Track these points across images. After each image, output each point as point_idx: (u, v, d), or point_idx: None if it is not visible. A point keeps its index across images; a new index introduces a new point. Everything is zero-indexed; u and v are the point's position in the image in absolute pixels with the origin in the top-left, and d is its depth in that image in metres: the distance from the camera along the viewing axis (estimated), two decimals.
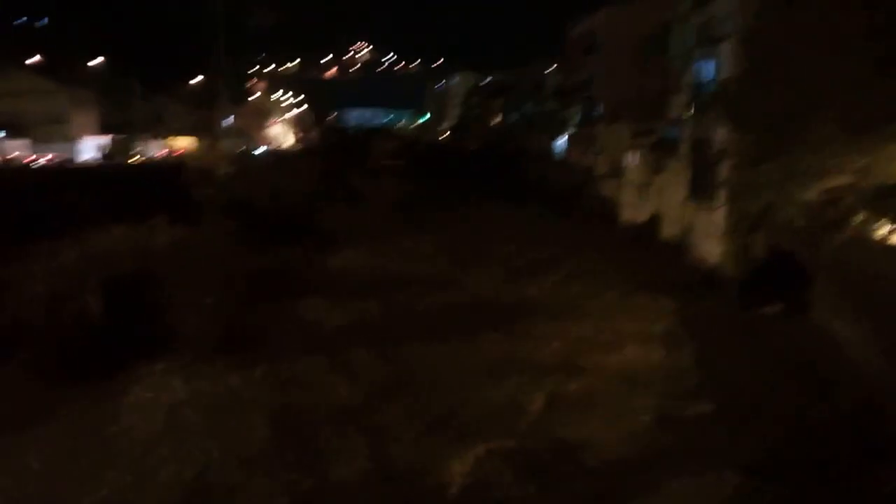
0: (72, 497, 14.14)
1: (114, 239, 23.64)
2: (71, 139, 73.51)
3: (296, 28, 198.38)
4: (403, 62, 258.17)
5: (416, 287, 29.31)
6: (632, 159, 40.67)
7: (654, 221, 37.62)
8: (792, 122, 19.79)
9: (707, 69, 31.16)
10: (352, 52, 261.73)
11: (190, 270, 23.72)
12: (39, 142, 71.74)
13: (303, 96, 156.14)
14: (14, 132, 71.13)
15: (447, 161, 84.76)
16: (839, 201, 19.44)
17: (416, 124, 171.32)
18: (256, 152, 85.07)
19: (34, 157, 63.15)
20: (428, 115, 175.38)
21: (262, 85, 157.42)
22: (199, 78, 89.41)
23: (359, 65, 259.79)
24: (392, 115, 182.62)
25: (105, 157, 65.49)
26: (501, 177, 68.17)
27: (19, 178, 49.55)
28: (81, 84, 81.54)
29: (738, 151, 24.02)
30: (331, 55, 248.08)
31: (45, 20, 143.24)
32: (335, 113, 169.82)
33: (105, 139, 69.88)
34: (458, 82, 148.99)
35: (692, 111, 32.49)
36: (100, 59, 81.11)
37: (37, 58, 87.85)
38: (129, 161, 66.11)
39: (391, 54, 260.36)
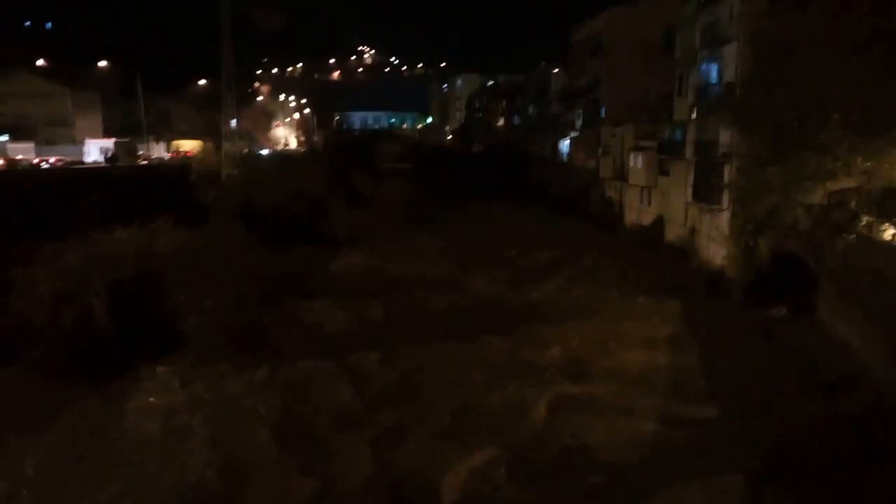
0: (71, 500, 14.19)
1: (118, 241, 23.66)
2: (75, 142, 73.76)
3: (301, 31, 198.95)
4: (407, 65, 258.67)
5: (420, 289, 29.30)
6: (636, 162, 40.59)
7: (658, 224, 37.55)
8: (797, 125, 19.74)
9: (712, 71, 31.10)
10: (356, 55, 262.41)
11: (194, 273, 23.72)
12: (44, 144, 72.03)
13: (307, 99, 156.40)
14: (19, 135, 71.36)
15: (451, 163, 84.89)
16: (845, 204, 19.36)
17: (420, 126, 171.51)
18: (261, 154, 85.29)
19: (37, 160, 63.21)
20: (432, 118, 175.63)
21: (267, 87, 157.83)
22: (204, 81, 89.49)
23: (363, 67, 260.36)
24: (396, 118, 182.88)
25: (108, 159, 65.50)
26: (505, 179, 68.18)
27: (25, 181, 49.67)
28: (86, 87, 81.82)
29: (743, 154, 23.96)
30: (335, 58, 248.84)
31: (51, 23, 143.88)
32: (339, 115, 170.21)
33: (109, 142, 69.96)
34: (462, 85, 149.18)
35: (697, 113, 32.42)
36: (104, 62, 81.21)
37: (41, 61, 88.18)
38: (134, 163, 66.16)
39: (395, 57, 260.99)
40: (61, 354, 20.21)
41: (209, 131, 74.24)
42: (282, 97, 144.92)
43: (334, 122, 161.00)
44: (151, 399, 17.88)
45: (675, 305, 25.28)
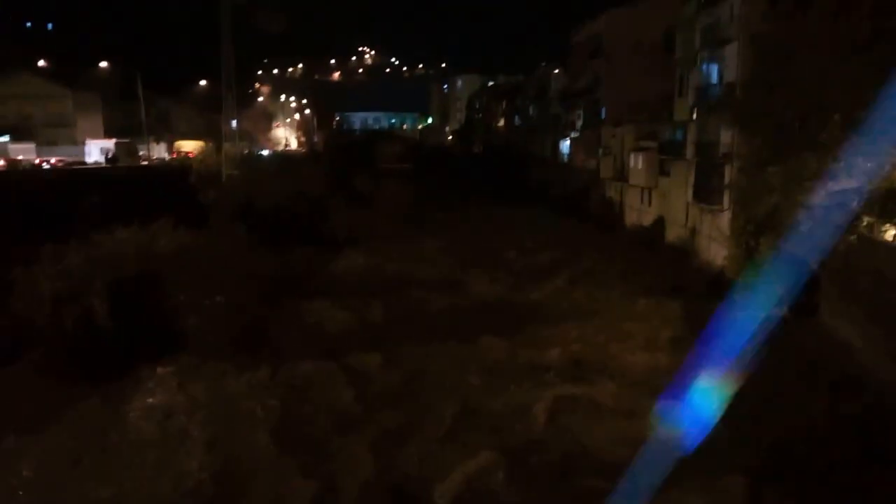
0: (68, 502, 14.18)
1: (119, 242, 23.67)
2: (76, 142, 73.90)
3: (301, 32, 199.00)
4: (408, 65, 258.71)
5: (420, 290, 29.30)
6: (636, 162, 40.59)
7: (659, 224, 37.55)
8: (798, 125, 19.72)
9: (712, 72, 31.11)
10: (356, 56, 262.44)
11: (195, 273, 23.74)
12: (45, 145, 72.15)
13: (307, 99, 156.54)
14: (20, 135, 71.48)
15: (451, 164, 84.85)
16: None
17: (420, 127, 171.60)
18: (261, 155, 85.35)
19: (38, 160, 63.31)
20: (432, 119, 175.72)
21: (267, 88, 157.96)
22: (205, 82, 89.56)
23: (363, 68, 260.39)
24: (396, 118, 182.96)
25: (109, 160, 65.59)
26: (505, 179, 68.16)
27: (26, 181, 49.71)
28: (87, 87, 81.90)
29: (744, 154, 23.95)
30: (335, 59, 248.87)
31: (51, 24, 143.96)
32: (339, 116, 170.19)
33: (110, 143, 70.08)
34: (462, 85, 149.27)
35: (697, 114, 32.43)
36: (105, 63, 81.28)
37: (42, 62, 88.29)
38: (135, 164, 66.25)
39: (395, 58, 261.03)
40: (62, 355, 20.21)
41: (209, 132, 74.23)
42: (282, 98, 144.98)
43: (334, 122, 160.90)
44: (151, 400, 17.82)
45: (676, 306, 25.25)
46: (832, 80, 18.17)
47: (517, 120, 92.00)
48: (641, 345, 21.80)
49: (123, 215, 25.70)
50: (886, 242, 17.42)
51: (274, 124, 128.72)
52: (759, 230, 23.68)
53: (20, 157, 64.76)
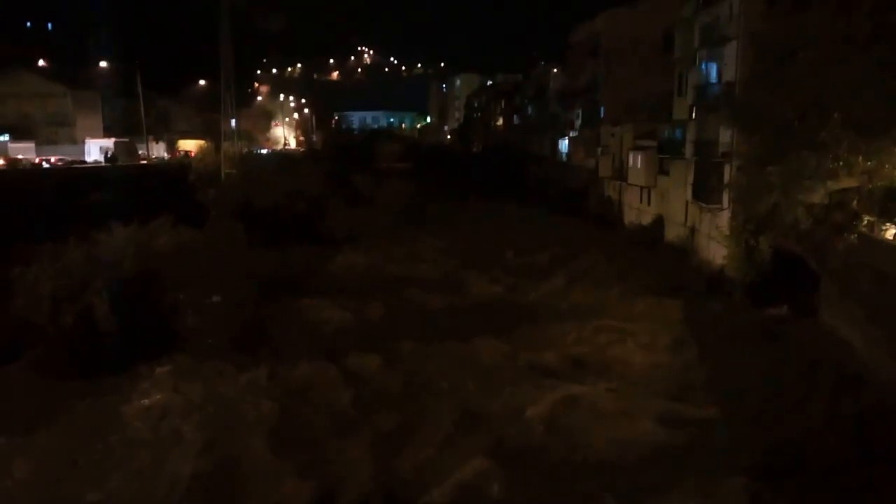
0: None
1: (119, 240, 23.65)
2: (76, 141, 73.79)
3: (300, 31, 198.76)
4: (406, 65, 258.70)
5: (419, 289, 29.26)
6: (635, 161, 40.56)
7: (658, 223, 37.52)
8: (797, 124, 19.69)
9: (712, 71, 31.09)
10: (355, 55, 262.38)
11: (194, 272, 23.72)
12: (44, 144, 72.05)
13: (306, 99, 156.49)
14: (19, 134, 71.39)
15: (450, 163, 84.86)
16: (846, 204, 19.32)
17: (419, 126, 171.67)
18: (260, 154, 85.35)
19: (38, 159, 63.26)
20: (431, 118, 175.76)
21: (266, 88, 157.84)
22: (204, 81, 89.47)
23: (362, 68, 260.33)
24: (395, 118, 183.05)
25: (109, 159, 65.52)
26: (504, 178, 68.16)
27: (26, 180, 49.64)
28: (87, 87, 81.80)
29: (743, 153, 23.92)
30: (334, 58, 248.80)
31: (51, 23, 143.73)
32: (338, 115, 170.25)
33: (109, 142, 70.02)
34: (460, 85, 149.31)
35: (696, 113, 32.40)
36: (105, 62, 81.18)
37: (42, 61, 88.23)
38: (134, 163, 66.23)
39: (394, 57, 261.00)
40: (61, 354, 20.19)
41: (209, 131, 74.16)
42: (281, 97, 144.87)
43: (333, 122, 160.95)
44: (150, 399, 17.79)
45: (676, 305, 25.21)
46: (832, 79, 18.14)
47: (516, 119, 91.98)
48: (641, 345, 21.76)
49: (123, 214, 25.68)
50: (886, 242, 17.39)
51: (273, 124, 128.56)
52: (758, 229, 23.67)
53: (20, 156, 64.66)
